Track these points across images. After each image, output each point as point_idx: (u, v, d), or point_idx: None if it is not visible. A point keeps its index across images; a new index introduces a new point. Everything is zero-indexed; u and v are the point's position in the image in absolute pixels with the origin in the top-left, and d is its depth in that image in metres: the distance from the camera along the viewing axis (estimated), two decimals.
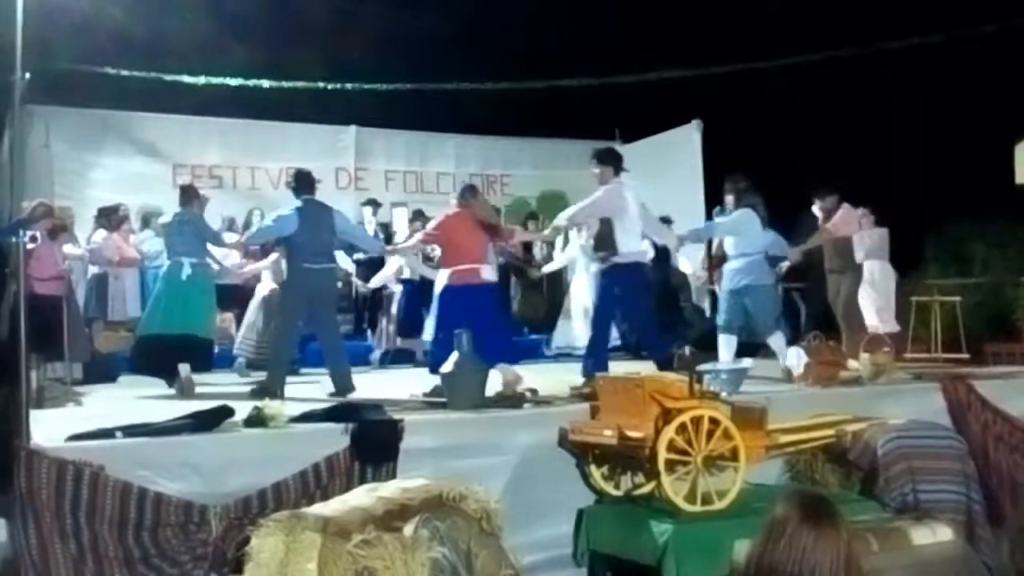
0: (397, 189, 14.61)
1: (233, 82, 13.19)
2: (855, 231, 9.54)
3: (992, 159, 13.60)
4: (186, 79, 12.88)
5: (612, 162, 8.06)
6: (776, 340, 8.44)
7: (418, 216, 12.47)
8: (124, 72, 12.62)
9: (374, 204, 12.84)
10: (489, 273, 7.69)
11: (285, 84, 13.55)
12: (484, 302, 7.47)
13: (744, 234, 8.40)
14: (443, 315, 7.51)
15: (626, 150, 15.09)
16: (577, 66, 14.46)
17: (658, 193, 11.06)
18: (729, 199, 8.68)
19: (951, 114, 15.20)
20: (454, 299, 7.47)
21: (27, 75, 6.62)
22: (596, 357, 7.84)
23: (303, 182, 8.01)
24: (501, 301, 8.28)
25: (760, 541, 2.93)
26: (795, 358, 8.10)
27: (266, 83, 13.41)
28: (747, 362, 7.76)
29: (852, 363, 8.00)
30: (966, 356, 9.49)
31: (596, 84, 14.07)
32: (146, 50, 13.10)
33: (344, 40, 14.90)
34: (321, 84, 13.73)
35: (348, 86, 13.73)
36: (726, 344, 8.45)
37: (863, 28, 14.05)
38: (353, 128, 14.34)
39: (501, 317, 7.84)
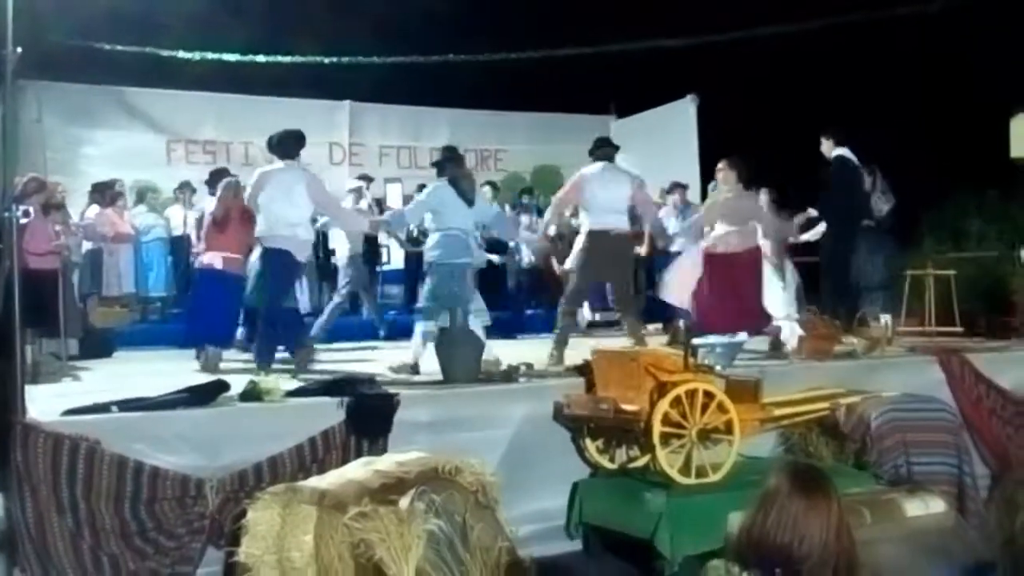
0: (391, 164, 14.57)
1: (227, 58, 13.12)
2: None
3: (988, 132, 13.57)
4: (180, 54, 12.79)
5: (278, 149, 7.99)
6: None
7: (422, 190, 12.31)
8: (116, 48, 12.54)
9: (366, 179, 12.80)
10: (212, 259, 8.16)
11: (279, 59, 13.47)
12: (211, 287, 8.18)
13: (441, 210, 7.62)
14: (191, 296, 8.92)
15: (621, 124, 15.21)
16: (573, 39, 14.39)
17: (653, 167, 11.04)
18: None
19: (947, 86, 15.16)
20: (199, 282, 8.54)
21: (19, 49, 6.56)
22: (257, 347, 7.80)
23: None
24: (230, 288, 8.29)
25: (752, 512, 2.95)
26: (788, 332, 8.12)
27: (260, 58, 13.34)
28: (742, 336, 7.77)
29: (847, 337, 8.02)
30: (960, 329, 9.50)
31: (591, 56, 13.98)
32: (140, 25, 12.99)
33: (338, 15, 14.80)
34: (318, 59, 13.65)
35: (343, 60, 13.64)
36: (420, 332, 7.48)
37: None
38: (347, 103, 14.28)
39: (219, 302, 8.05)
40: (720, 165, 8.31)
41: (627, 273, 8.53)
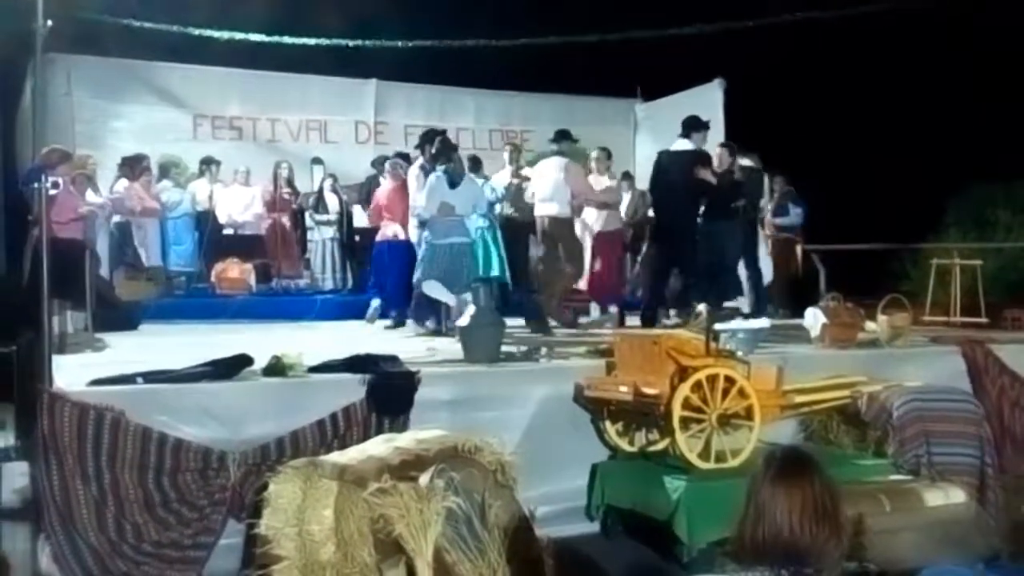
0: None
1: (253, 38, 13.08)
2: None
3: (1018, 122, 13.42)
4: (206, 33, 12.78)
5: None
6: None
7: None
8: (145, 25, 12.54)
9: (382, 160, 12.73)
10: None
11: (306, 41, 13.44)
12: None
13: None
14: None
15: (648, 107, 15.14)
16: (600, 22, 14.31)
17: None
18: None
19: (976, 76, 14.99)
20: None
21: (49, 23, 6.61)
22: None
23: None
24: None
25: (740, 515, 2.88)
26: (811, 319, 8.07)
27: (287, 39, 13.30)
28: (764, 322, 7.75)
29: (870, 325, 7.97)
30: (985, 320, 9.42)
31: (618, 41, 13.90)
32: (168, 1, 13.03)
33: None
34: (344, 42, 13.62)
35: (367, 43, 13.61)
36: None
37: None
38: (373, 81, 14.24)
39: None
40: None
41: None
